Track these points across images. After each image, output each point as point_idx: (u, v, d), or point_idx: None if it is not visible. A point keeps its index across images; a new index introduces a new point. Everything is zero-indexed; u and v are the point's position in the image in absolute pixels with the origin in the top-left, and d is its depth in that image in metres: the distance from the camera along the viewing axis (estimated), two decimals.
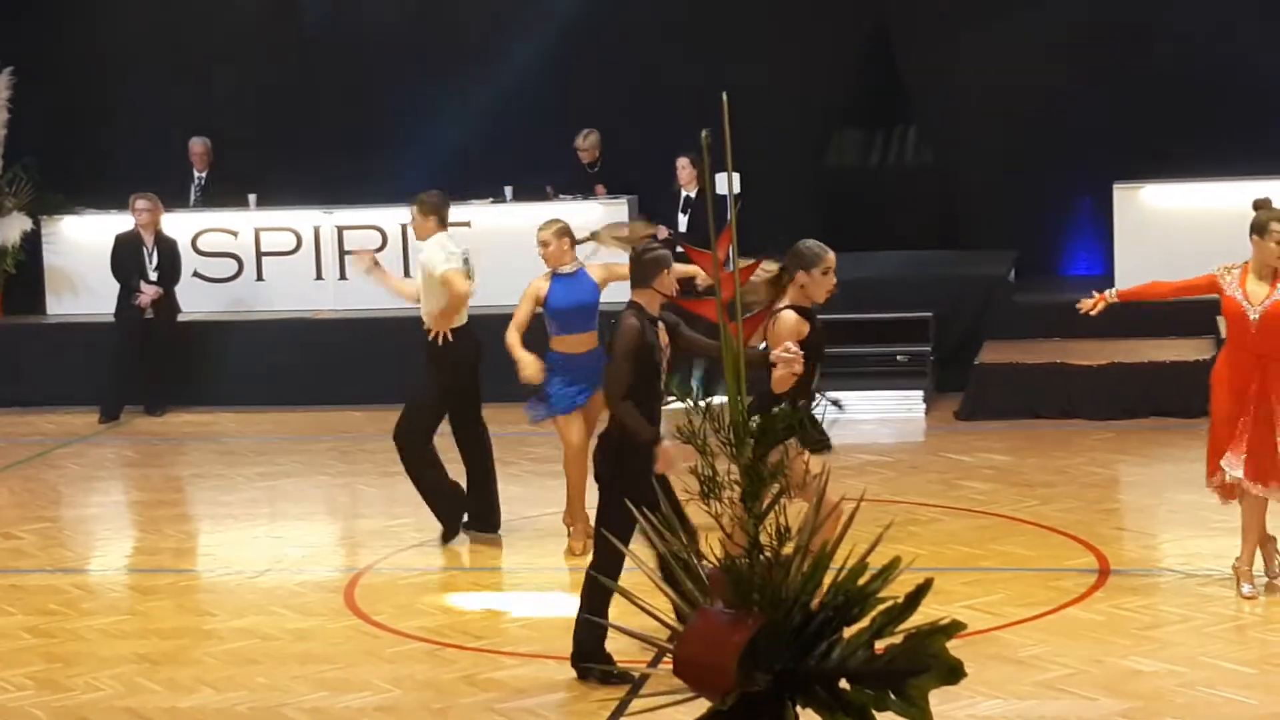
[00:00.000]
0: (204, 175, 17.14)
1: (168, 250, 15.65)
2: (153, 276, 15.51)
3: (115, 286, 15.55)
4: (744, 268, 5.23)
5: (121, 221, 15.73)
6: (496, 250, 16.01)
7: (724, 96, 5.18)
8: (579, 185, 16.38)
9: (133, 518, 12.24)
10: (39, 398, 15.99)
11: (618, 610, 5.41)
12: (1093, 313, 9.14)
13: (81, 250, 16.48)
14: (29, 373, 16.24)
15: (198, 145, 17.13)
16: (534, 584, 9.72)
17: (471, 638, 8.64)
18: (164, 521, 11.78)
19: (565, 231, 10.45)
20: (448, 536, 10.45)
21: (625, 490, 6.78)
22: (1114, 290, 9.21)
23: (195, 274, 16.40)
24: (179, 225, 16.35)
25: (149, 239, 15.57)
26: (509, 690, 7.91)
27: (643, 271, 8.08)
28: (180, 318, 15.84)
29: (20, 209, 16.59)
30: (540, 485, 12.13)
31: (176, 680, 8.24)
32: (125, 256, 15.52)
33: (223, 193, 16.85)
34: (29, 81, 16.98)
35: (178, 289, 15.83)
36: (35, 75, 17.06)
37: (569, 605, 8.29)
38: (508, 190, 16.21)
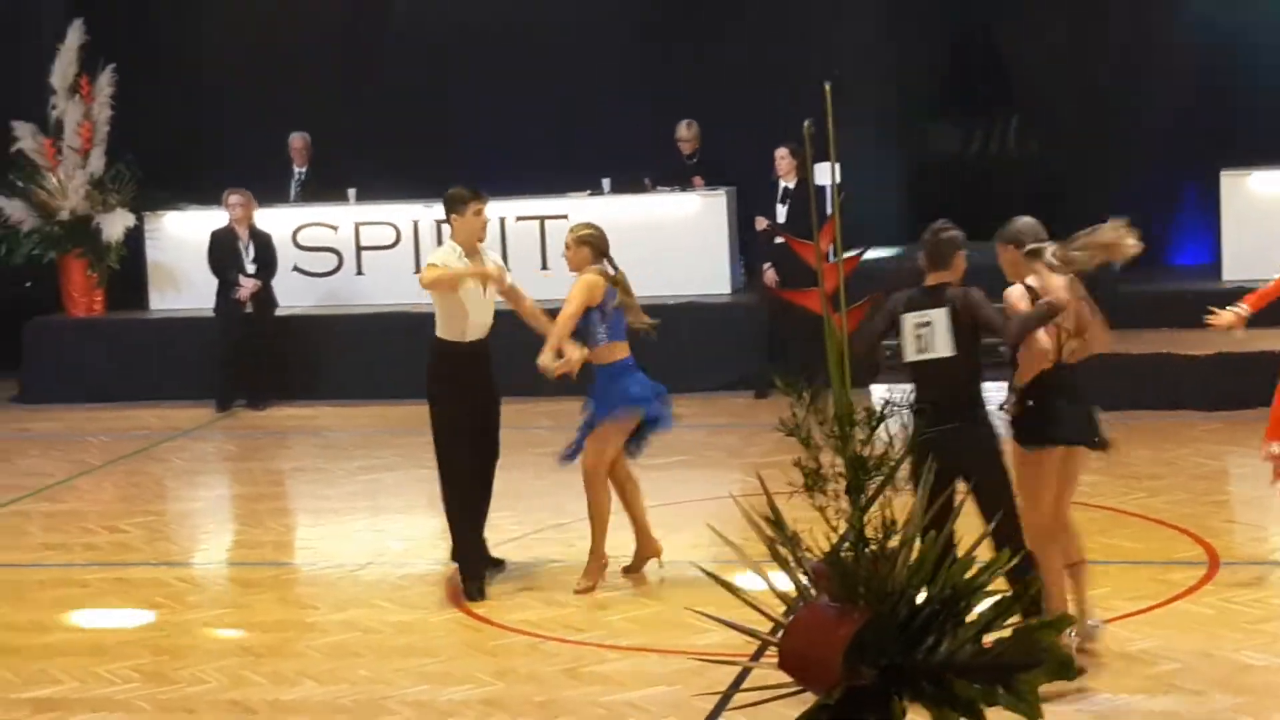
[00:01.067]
0: (304, 170, 17.24)
1: (263, 243, 15.77)
2: (250, 269, 15.63)
3: (216, 282, 15.69)
4: (847, 259, 5.18)
5: (223, 217, 15.85)
6: None
7: (826, 86, 5.12)
8: (678, 177, 16.33)
9: (235, 511, 12.33)
10: (143, 392, 16.14)
11: (722, 603, 5.37)
12: (1226, 330, 8.97)
13: (184, 246, 16.60)
14: (133, 368, 16.40)
15: (297, 140, 17.23)
16: (636, 577, 9.67)
17: (574, 631, 8.63)
18: (266, 515, 11.86)
19: (585, 240, 9.58)
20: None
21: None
22: (1243, 305, 8.96)
23: (295, 268, 16.50)
24: (279, 220, 16.46)
25: (244, 233, 15.69)
26: (611, 684, 7.89)
27: (942, 252, 7.70)
28: (281, 312, 15.95)
29: (123, 205, 16.74)
30: (645, 478, 12.08)
31: (280, 673, 8.28)
32: (222, 252, 15.66)
33: (323, 188, 16.94)
34: (131, 79, 17.13)
35: (277, 283, 15.94)
36: (137, 72, 17.21)
37: (671, 598, 8.28)
38: (605, 183, 16.18)
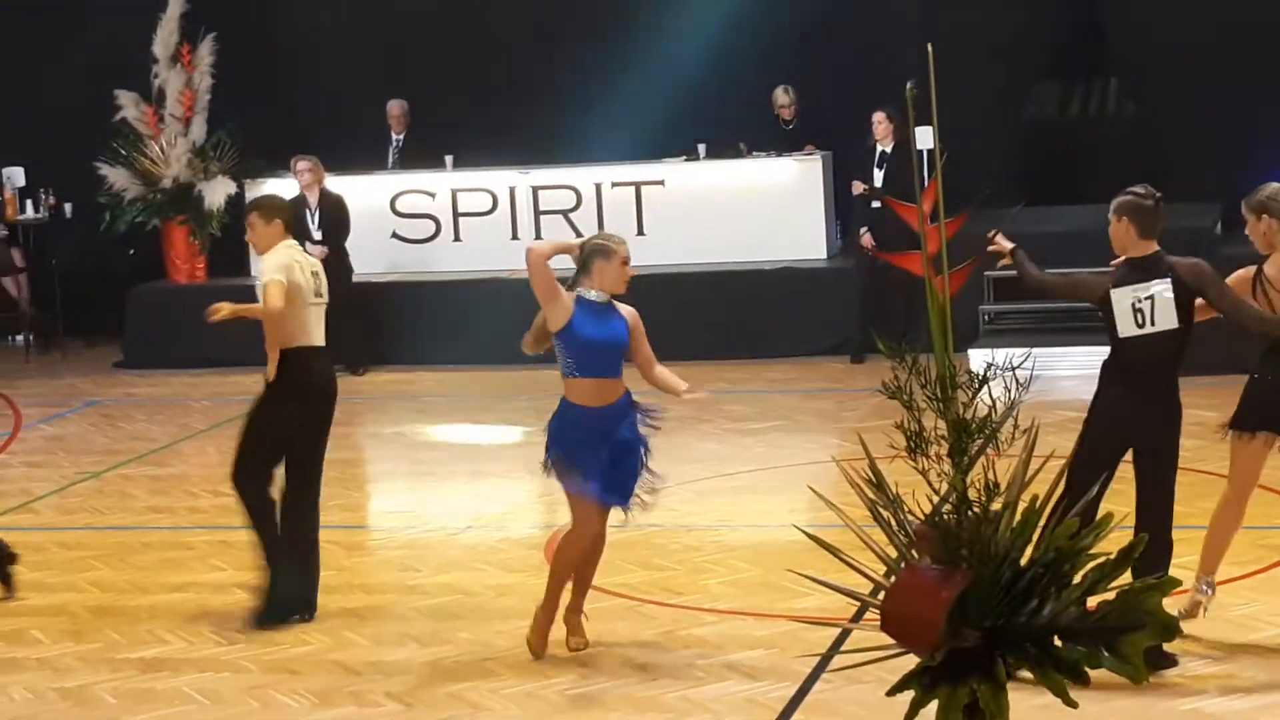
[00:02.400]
0: (401, 138, 17.33)
1: (329, 208, 15.78)
2: (316, 236, 15.69)
3: None
4: (949, 222, 5.16)
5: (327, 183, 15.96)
6: (689, 208, 16.07)
7: (929, 48, 5.11)
8: (775, 142, 16.30)
9: (335, 475, 12.37)
10: (244, 358, 16.23)
11: (821, 565, 5.38)
12: None
13: None
14: (234, 333, 16.47)
15: (395, 108, 17.32)
16: (733, 541, 9.70)
17: (672, 594, 8.67)
18: (366, 479, 11.98)
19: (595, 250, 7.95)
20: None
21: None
22: None
23: (394, 235, 16.62)
24: (377, 188, 16.58)
25: (312, 199, 15.76)
26: (709, 646, 7.92)
27: (1159, 220, 7.32)
28: (379, 278, 16.05)
29: (224, 173, 16.91)
30: (736, 443, 12.13)
31: (382, 634, 8.38)
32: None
33: (420, 155, 17.03)
34: (232, 47, 17.28)
35: (375, 249, 16.02)
36: (237, 41, 17.36)
37: (769, 562, 8.30)
38: (701, 148, 16.18)
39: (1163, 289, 7.18)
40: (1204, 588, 7.71)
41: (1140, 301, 7.18)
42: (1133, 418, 7.24)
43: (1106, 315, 7.28)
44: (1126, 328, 7.21)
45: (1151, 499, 7.32)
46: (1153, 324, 7.18)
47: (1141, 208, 7.28)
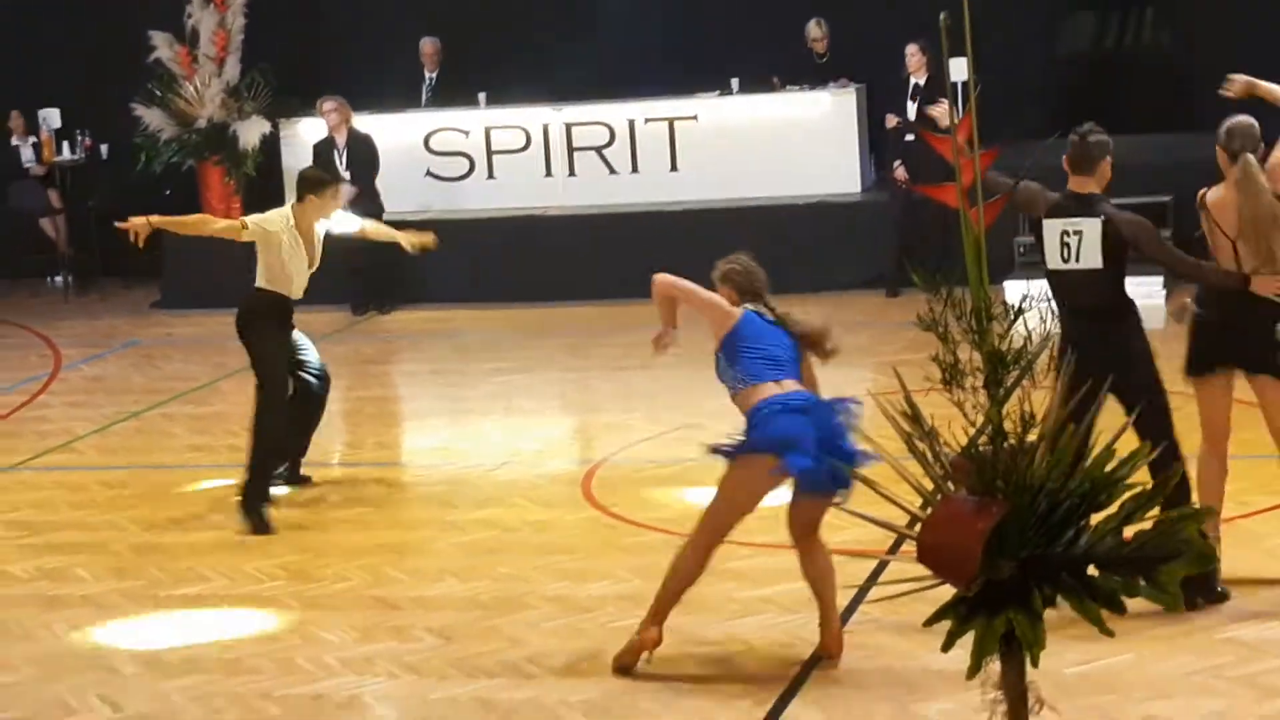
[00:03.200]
0: (435, 75, 17.31)
1: (357, 147, 15.79)
2: (345, 176, 15.68)
3: None
4: (984, 153, 5.15)
5: (358, 123, 15.97)
6: (722, 143, 16.03)
7: None
8: (808, 76, 16.24)
9: (373, 412, 12.50)
10: None
11: (858, 498, 5.41)
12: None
13: None
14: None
15: (428, 46, 17.29)
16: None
17: None
18: (403, 416, 12.05)
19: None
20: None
21: None
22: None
23: (428, 173, 16.63)
24: (411, 126, 16.58)
25: (340, 140, 15.77)
26: (745, 580, 7.96)
27: (1090, 155, 7.36)
28: (415, 216, 16.04)
29: (259, 113, 16.92)
30: None
31: (421, 570, 8.44)
32: (321, 160, 15.76)
33: (453, 92, 17.01)
34: None
35: (409, 186, 16.02)
36: None
37: None
38: (734, 82, 16.13)
39: (1092, 226, 7.23)
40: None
41: (1069, 236, 7.26)
42: (1088, 360, 7.20)
43: (1039, 242, 7.41)
44: (1054, 260, 7.31)
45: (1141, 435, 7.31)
46: (1078, 260, 7.25)
47: (1071, 143, 7.39)
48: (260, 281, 9.70)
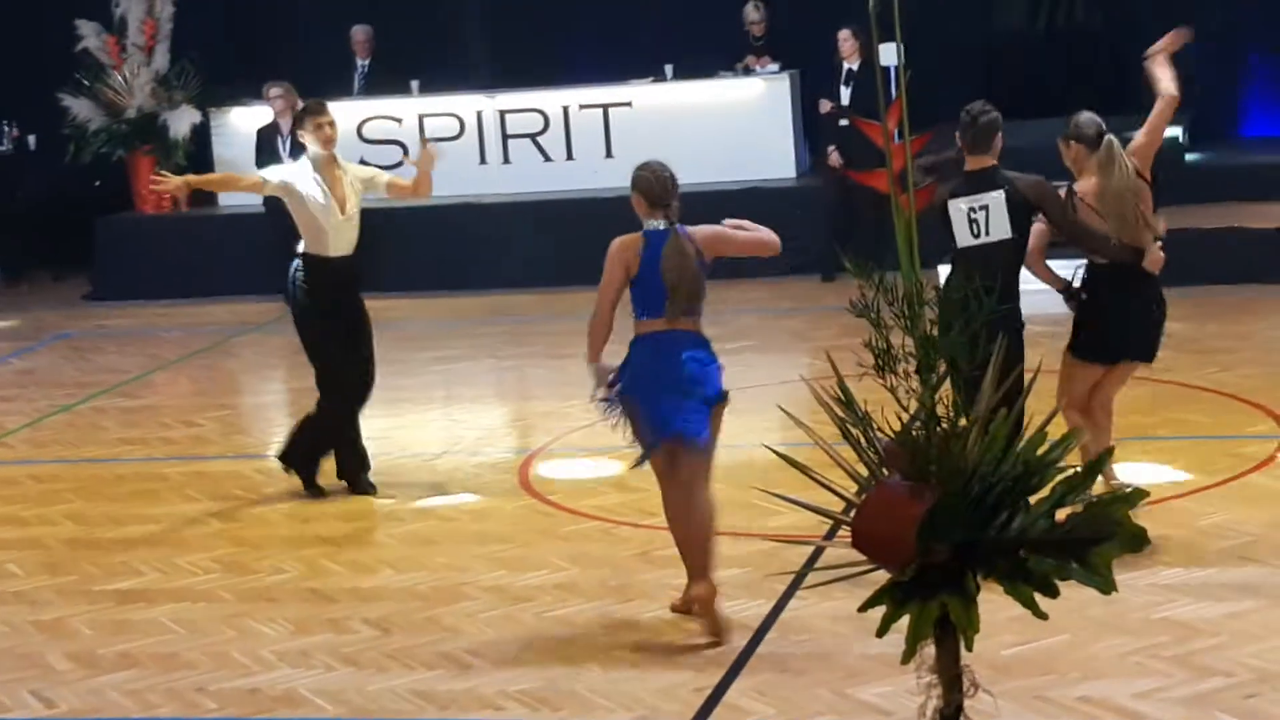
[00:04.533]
0: (366, 63, 17.22)
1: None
2: (288, 162, 15.58)
3: None
4: (914, 139, 5.15)
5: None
6: (657, 129, 16.01)
7: None
8: (745, 60, 16.25)
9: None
10: (214, 288, 16.28)
11: (793, 484, 5.41)
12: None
13: (250, 141, 16.60)
14: (203, 263, 16.53)
15: (360, 33, 17.20)
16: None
17: (645, 515, 8.69)
18: None
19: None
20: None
21: None
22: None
23: (361, 162, 16.39)
24: (343, 114, 16.30)
25: (285, 126, 15.67)
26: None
27: (985, 135, 7.59)
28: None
29: (189, 102, 16.81)
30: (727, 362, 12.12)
31: (358, 561, 8.40)
32: (265, 147, 15.68)
33: (386, 80, 16.93)
34: None
35: None
36: None
37: (741, 481, 8.32)
38: (669, 69, 16.11)
39: (997, 198, 7.45)
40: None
41: (975, 211, 7.47)
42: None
43: (945, 226, 7.56)
44: (964, 237, 7.51)
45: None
46: (987, 233, 7.46)
47: (964, 124, 7.60)
48: (301, 247, 9.22)
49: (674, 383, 6.97)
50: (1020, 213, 7.49)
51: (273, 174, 9.31)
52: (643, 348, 7.06)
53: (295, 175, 9.17)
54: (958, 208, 7.51)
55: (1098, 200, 7.64)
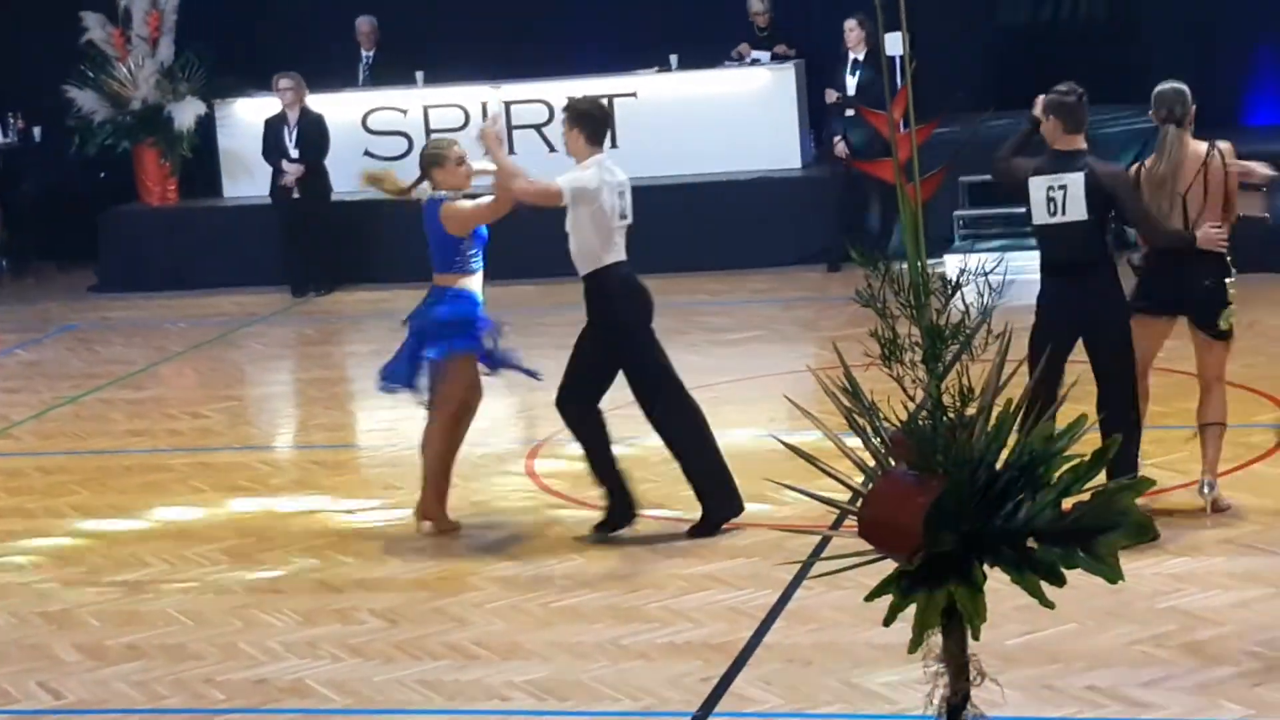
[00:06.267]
0: (372, 54, 17.21)
1: (308, 126, 15.71)
2: (293, 154, 15.62)
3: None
4: (920, 129, 5.15)
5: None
6: (662, 120, 16.00)
7: None
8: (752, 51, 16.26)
9: (315, 394, 12.44)
10: (219, 279, 16.27)
11: (800, 474, 5.41)
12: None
13: (255, 132, 16.62)
14: (208, 255, 16.53)
15: (365, 24, 17.19)
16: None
17: (652, 506, 8.69)
18: (345, 398, 11.98)
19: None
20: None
21: None
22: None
23: (366, 153, 16.51)
24: (348, 105, 16.47)
25: (292, 117, 15.69)
26: (692, 557, 7.97)
27: (1082, 116, 7.79)
28: (353, 197, 15.98)
29: (194, 93, 16.79)
30: (714, 354, 12.15)
31: (364, 553, 8.41)
32: (271, 138, 15.70)
33: (391, 71, 16.92)
34: None
35: (347, 167, 15.92)
36: None
37: (748, 471, 8.32)
38: (674, 59, 16.10)
39: (1075, 179, 7.61)
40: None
41: (1054, 190, 7.64)
42: (1072, 308, 7.70)
43: (1025, 202, 7.79)
44: (1040, 215, 7.71)
45: (1105, 394, 7.70)
46: (1063, 213, 7.64)
47: (1064, 104, 7.78)
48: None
49: None
50: (1095, 197, 7.63)
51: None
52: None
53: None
54: (1038, 185, 7.69)
55: (1145, 178, 7.80)
